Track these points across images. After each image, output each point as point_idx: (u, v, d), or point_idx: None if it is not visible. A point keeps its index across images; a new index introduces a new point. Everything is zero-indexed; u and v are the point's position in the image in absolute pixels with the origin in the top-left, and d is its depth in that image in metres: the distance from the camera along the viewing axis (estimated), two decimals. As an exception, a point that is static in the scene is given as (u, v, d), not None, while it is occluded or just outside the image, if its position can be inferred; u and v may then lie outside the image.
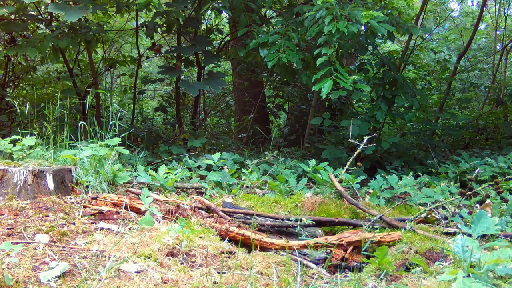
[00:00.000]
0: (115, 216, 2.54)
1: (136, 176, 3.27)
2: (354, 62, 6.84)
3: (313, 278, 2.22)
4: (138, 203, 2.68)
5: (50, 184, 2.67)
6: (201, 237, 2.38)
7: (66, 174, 2.78)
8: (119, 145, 3.10)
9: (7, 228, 2.19)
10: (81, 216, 2.47)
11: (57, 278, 1.80)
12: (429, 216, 2.93)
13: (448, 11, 9.36)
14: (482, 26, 9.41)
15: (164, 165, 3.41)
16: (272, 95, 7.29)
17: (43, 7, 5.67)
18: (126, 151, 3.11)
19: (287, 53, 4.31)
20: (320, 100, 5.58)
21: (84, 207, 2.58)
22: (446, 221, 2.87)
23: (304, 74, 5.00)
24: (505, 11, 7.97)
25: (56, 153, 3.16)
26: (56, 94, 6.00)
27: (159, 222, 2.52)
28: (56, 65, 7.36)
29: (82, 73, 6.57)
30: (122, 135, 3.22)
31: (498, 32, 8.18)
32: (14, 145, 3.13)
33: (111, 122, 3.31)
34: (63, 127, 3.50)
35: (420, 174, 4.37)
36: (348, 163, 3.51)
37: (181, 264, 2.10)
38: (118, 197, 2.73)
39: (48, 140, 3.38)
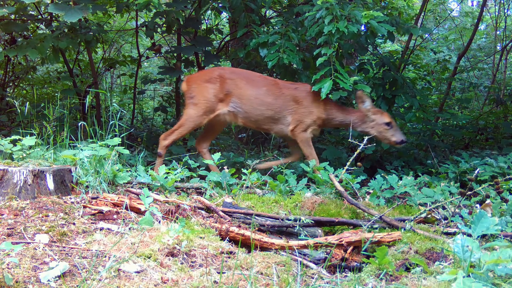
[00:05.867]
0: (115, 216, 2.54)
1: (136, 176, 3.27)
2: (354, 62, 6.84)
3: (313, 278, 2.22)
4: (138, 203, 2.68)
5: (50, 184, 2.67)
6: (201, 237, 2.38)
7: (66, 174, 2.78)
8: (119, 145, 3.10)
9: (7, 228, 2.19)
10: (81, 216, 2.47)
11: (57, 278, 1.80)
12: (429, 216, 2.93)
13: (448, 11, 9.36)
14: (482, 26, 9.41)
15: (164, 165, 3.41)
16: (272, 95, 7.28)
17: (43, 7, 5.67)
18: (126, 151, 3.11)
19: (287, 53, 4.30)
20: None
21: (84, 207, 2.59)
22: (446, 221, 2.87)
23: (304, 75, 5.00)
24: (505, 11, 7.97)
25: (56, 153, 3.16)
26: (56, 94, 6.01)
27: (159, 222, 2.52)
28: (56, 65, 7.36)
29: (82, 73, 6.58)
30: (122, 135, 3.22)
31: (498, 32, 8.18)
32: (14, 145, 3.13)
33: (111, 122, 3.31)
34: (63, 127, 3.50)
35: (420, 174, 4.36)
36: (348, 163, 3.51)
37: (181, 264, 2.10)
38: (118, 197, 2.73)
39: (48, 140, 3.38)
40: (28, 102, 4.34)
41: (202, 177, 3.73)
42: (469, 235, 2.10)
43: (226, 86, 4.22)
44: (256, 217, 2.84)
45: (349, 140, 3.84)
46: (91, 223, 2.43)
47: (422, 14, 6.67)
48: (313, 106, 4.20)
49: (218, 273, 2.04)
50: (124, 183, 3.05)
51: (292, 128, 4.21)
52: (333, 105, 4.32)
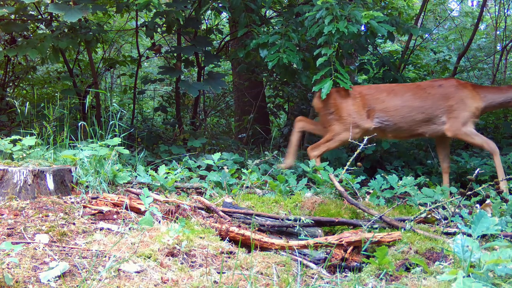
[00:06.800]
0: (115, 216, 2.54)
1: (136, 176, 3.27)
2: (354, 62, 6.84)
3: (313, 278, 2.23)
4: (138, 203, 2.68)
5: (50, 184, 2.67)
6: (201, 237, 2.39)
7: (66, 174, 2.78)
8: (119, 145, 3.10)
9: (7, 228, 2.19)
10: (81, 216, 2.47)
11: (57, 278, 1.80)
12: (429, 216, 2.93)
13: (448, 11, 9.36)
14: (482, 26, 9.41)
15: (164, 165, 3.41)
16: (272, 95, 7.28)
17: (43, 7, 5.67)
18: (126, 151, 3.11)
19: (287, 54, 4.30)
20: (320, 100, 5.56)
21: (84, 207, 2.59)
22: (446, 221, 2.87)
23: (304, 75, 5.00)
24: (505, 11, 7.97)
25: (56, 153, 3.16)
26: (56, 94, 6.01)
27: (159, 222, 2.52)
28: (56, 65, 7.36)
29: (82, 73, 6.57)
30: (122, 135, 3.23)
31: (498, 32, 8.18)
32: (14, 145, 3.13)
33: (111, 122, 3.31)
34: (63, 127, 3.50)
35: (420, 174, 4.36)
36: (348, 163, 3.51)
37: (181, 264, 2.10)
38: (118, 197, 2.73)
39: (48, 140, 3.38)
40: (28, 102, 4.34)
41: (202, 177, 3.74)
42: (469, 235, 2.10)
43: (367, 102, 4.12)
44: (256, 217, 2.84)
45: (349, 140, 3.84)
46: (91, 223, 2.43)
47: (422, 14, 6.68)
48: (466, 98, 4.04)
49: (218, 273, 2.04)
50: (124, 183, 3.05)
51: (449, 127, 4.05)
52: (485, 90, 4.17)
